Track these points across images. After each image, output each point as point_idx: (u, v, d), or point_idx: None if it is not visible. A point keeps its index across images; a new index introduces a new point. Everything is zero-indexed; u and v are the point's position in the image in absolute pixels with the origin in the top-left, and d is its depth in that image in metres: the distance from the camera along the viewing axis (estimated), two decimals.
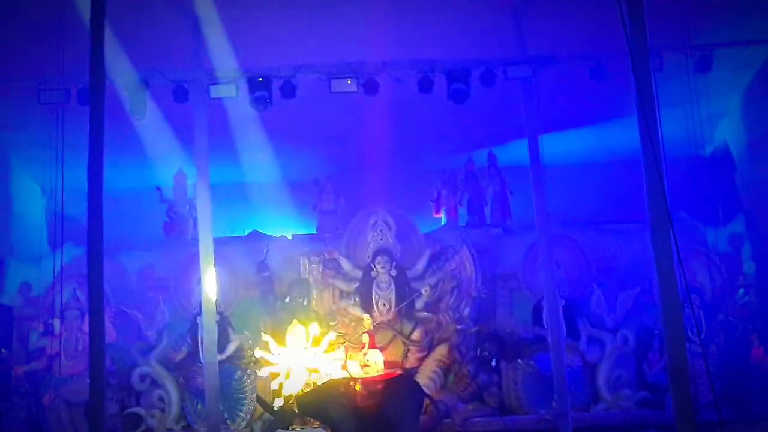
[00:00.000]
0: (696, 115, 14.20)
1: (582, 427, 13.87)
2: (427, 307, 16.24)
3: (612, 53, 13.95)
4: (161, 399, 15.57)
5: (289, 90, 14.78)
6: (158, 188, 17.37)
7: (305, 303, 16.29)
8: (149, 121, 15.14)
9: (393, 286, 16.14)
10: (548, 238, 14.44)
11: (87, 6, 10.43)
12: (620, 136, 14.66)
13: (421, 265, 16.40)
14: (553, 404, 14.36)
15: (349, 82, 14.87)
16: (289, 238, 17.39)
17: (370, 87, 14.80)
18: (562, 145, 15.98)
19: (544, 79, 14.68)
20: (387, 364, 15.02)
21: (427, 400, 14.81)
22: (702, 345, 13.22)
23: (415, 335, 16.00)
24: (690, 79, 14.27)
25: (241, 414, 15.19)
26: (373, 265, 16.22)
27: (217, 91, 14.70)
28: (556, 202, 14.96)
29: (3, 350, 16.11)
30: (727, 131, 17.59)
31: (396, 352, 15.83)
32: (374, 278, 16.19)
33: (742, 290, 16.10)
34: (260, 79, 14.73)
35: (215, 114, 15.05)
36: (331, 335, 15.40)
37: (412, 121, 16.52)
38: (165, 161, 16.88)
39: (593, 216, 17.01)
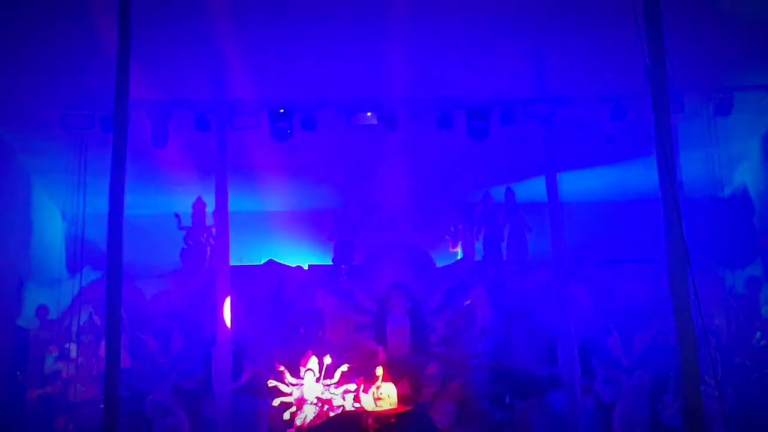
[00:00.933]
0: (716, 157, 14.22)
1: None
2: (441, 341, 16.21)
3: (633, 94, 14.00)
4: (173, 427, 15.53)
5: (309, 122, 14.90)
6: (177, 215, 17.48)
7: (320, 334, 16.30)
8: (170, 148, 15.26)
9: (407, 320, 16.13)
10: (564, 276, 14.41)
11: (113, 35, 10.58)
12: (639, 176, 14.65)
13: (436, 299, 16.40)
14: None
15: (369, 115, 14.98)
16: (305, 268, 17.43)
17: (389, 121, 14.90)
18: (579, 184, 16.00)
19: (563, 118, 14.73)
20: (400, 398, 14.99)
21: None
22: (718, 388, 13.09)
23: (430, 370, 15.95)
24: (710, 122, 14.30)
25: None
26: (388, 298, 16.23)
27: (238, 122, 14.83)
28: (573, 240, 14.95)
29: (18, 373, 16.20)
30: (746, 174, 17.54)
31: (409, 386, 15.76)
32: (389, 311, 16.20)
33: (759, 333, 15.97)
34: (281, 111, 14.85)
35: (235, 143, 15.16)
36: (345, 367, 15.38)
37: (430, 156, 16.59)
38: (184, 189, 16.98)
39: (610, 255, 16.96)
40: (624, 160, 16.30)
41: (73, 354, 15.53)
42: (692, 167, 12.08)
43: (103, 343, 11.72)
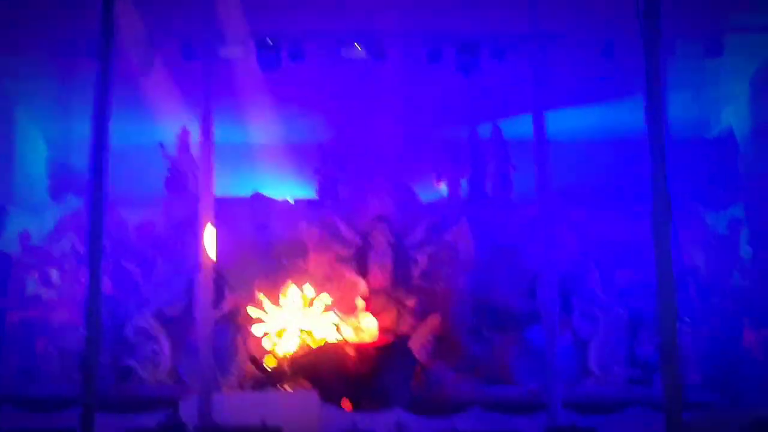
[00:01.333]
0: (703, 98, 14.20)
1: (571, 401, 13.94)
2: (423, 275, 16.33)
3: (623, 33, 13.90)
4: (155, 352, 15.67)
5: (297, 53, 14.77)
6: (161, 144, 17.36)
7: (302, 265, 16.38)
8: (156, 76, 15.11)
9: (390, 253, 16.22)
10: (548, 214, 14.46)
11: None
12: (626, 116, 14.62)
13: (419, 233, 16.48)
14: (543, 378, 14.44)
15: (358, 48, 14.85)
16: (291, 201, 17.43)
17: (378, 55, 14.78)
18: (567, 122, 15.96)
19: (552, 55, 14.63)
20: (380, 330, 15.20)
21: (418, 367, 15.00)
22: (694, 326, 13.30)
23: (410, 303, 16.09)
24: (700, 63, 14.25)
25: (233, 371, 15.28)
26: (371, 232, 16.29)
27: (225, 51, 14.67)
28: (558, 179, 14.96)
29: None
30: (732, 116, 17.55)
31: (390, 318, 15.92)
32: (372, 244, 16.27)
33: (737, 274, 16.15)
34: (269, 42, 14.69)
35: (222, 73, 15.00)
36: (327, 299, 15.51)
37: (418, 91, 16.51)
38: (169, 118, 16.85)
39: (594, 194, 17.02)
40: (612, 100, 16.27)
41: (55, 279, 15.54)
42: (680, 108, 12.06)
43: (85, 269, 11.70)
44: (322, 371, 14.18)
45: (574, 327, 15.47)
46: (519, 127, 16.29)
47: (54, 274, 15.63)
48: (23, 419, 12.79)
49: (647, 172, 10.32)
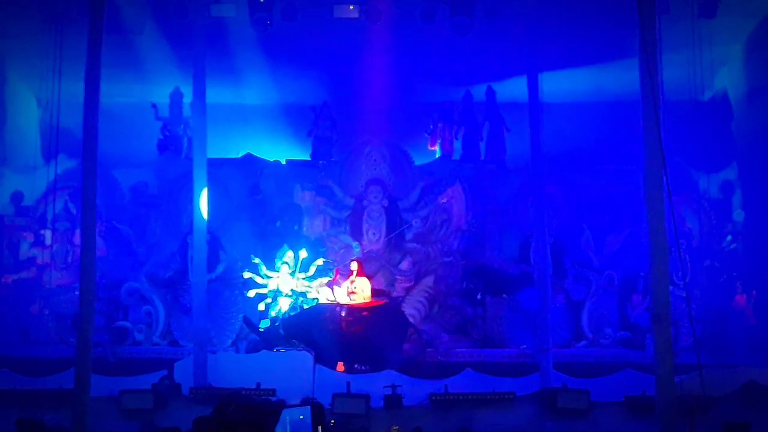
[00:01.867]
0: (697, 60, 14.09)
1: (562, 363, 14.09)
2: (416, 238, 16.38)
3: None
4: (149, 314, 15.73)
5: (290, 12, 14.64)
6: (154, 105, 17.27)
7: (296, 228, 16.40)
8: (148, 36, 14.98)
9: (384, 216, 16.25)
10: (541, 177, 14.46)
11: None
12: (620, 78, 14.59)
13: (413, 196, 16.49)
14: (535, 339, 14.53)
15: (351, 8, 14.73)
16: (283, 162, 17.38)
17: (372, 14, 14.66)
18: (561, 84, 15.90)
19: (547, 16, 14.53)
20: (374, 292, 15.23)
21: (411, 329, 15.07)
22: (686, 289, 13.35)
23: (404, 265, 16.15)
24: (694, 24, 14.14)
25: (228, 333, 15.34)
26: (365, 195, 16.31)
27: (218, 10, 14.55)
28: (552, 141, 14.94)
29: None
30: (726, 79, 17.52)
31: (383, 280, 15.99)
32: (366, 207, 16.29)
33: (729, 237, 16.25)
34: (262, 0, 14.56)
35: (214, 33, 14.88)
36: (320, 261, 15.53)
37: (412, 53, 16.40)
38: (162, 78, 16.74)
39: (588, 156, 17.00)
40: (606, 61, 16.19)
41: (48, 241, 15.54)
42: (674, 70, 11.97)
43: (78, 231, 11.69)
44: (315, 333, 14.22)
45: (567, 289, 15.55)
46: (513, 88, 16.24)
47: (47, 236, 15.60)
48: (20, 381, 12.83)
49: (640, 134, 10.32)
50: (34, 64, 14.72)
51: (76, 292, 10.93)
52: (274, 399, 6.62)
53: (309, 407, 6.58)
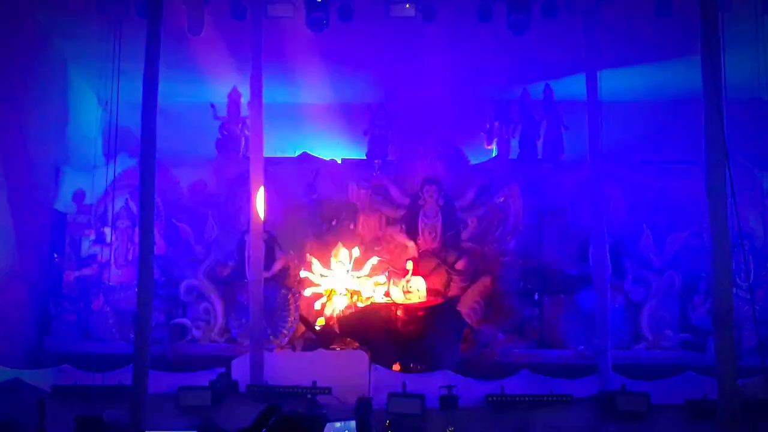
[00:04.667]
0: (761, 57, 13.79)
1: (621, 365, 13.86)
2: (472, 238, 16.30)
3: None
4: (207, 312, 15.92)
5: (346, 12, 14.66)
6: (212, 105, 17.47)
7: (351, 227, 16.46)
8: (206, 37, 15.14)
9: (440, 215, 16.19)
10: (600, 176, 14.28)
11: None
12: (681, 75, 14.35)
13: (469, 195, 16.41)
14: (594, 341, 14.35)
15: (407, 6, 14.71)
16: (339, 161, 17.44)
17: (428, 13, 14.61)
18: (620, 82, 15.67)
19: (605, 14, 14.34)
20: (429, 291, 15.21)
21: (467, 329, 15.01)
22: (750, 290, 13.08)
23: (460, 265, 16.07)
24: (757, 20, 13.84)
25: (284, 331, 15.43)
26: (421, 194, 16.26)
27: (274, 10, 14.64)
28: (610, 140, 14.74)
29: (55, 255, 16.56)
30: None
31: (439, 280, 15.92)
32: (421, 206, 16.25)
33: None
34: (318, 0, 14.61)
35: (271, 33, 14.98)
36: (375, 260, 15.54)
37: (469, 50, 16.29)
38: (220, 79, 16.90)
39: (647, 155, 16.75)
40: (667, 59, 15.92)
41: (109, 239, 15.79)
42: (737, 68, 11.73)
43: (137, 228, 11.86)
44: (371, 332, 14.24)
45: (627, 290, 15.35)
46: (571, 87, 16.07)
47: (108, 234, 15.86)
48: (81, 377, 13.07)
49: (702, 133, 10.13)
50: (95, 65, 14.94)
51: (136, 289, 11.09)
52: (319, 412, 6.60)
53: (354, 422, 6.55)
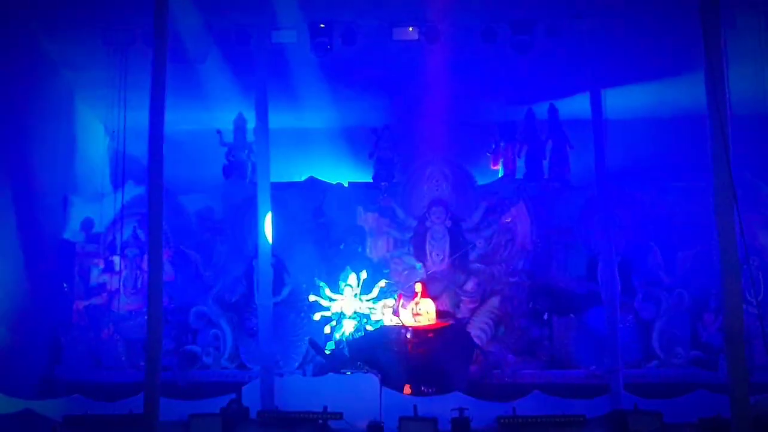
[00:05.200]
0: (765, 73, 13.82)
1: (633, 383, 13.81)
2: (481, 258, 16.28)
3: (681, 8, 13.60)
4: (216, 338, 15.91)
5: (350, 36, 14.76)
6: (218, 131, 17.55)
7: (359, 250, 16.47)
8: (211, 64, 15.24)
9: (447, 237, 16.21)
10: (606, 194, 14.28)
11: None
12: (685, 92, 14.35)
13: (476, 216, 16.41)
14: (604, 360, 14.29)
15: (410, 29, 14.79)
16: (346, 185, 17.48)
17: (431, 35, 14.70)
18: (624, 100, 15.72)
19: (609, 32, 14.40)
20: (439, 313, 15.18)
21: (477, 350, 14.97)
22: (759, 307, 13.01)
23: (468, 286, 16.06)
24: (761, 37, 13.89)
25: (294, 356, 15.41)
26: (428, 215, 16.30)
27: (278, 37, 14.74)
28: (617, 158, 14.77)
29: (65, 284, 16.59)
30: None
31: (448, 302, 15.92)
32: (429, 228, 16.27)
33: None
34: (321, 25, 14.71)
35: (276, 59, 15.07)
36: (383, 283, 15.54)
37: (472, 72, 16.36)
38: (225, 105, 17.00)
39: (654, 173, 16.74)
40: (670, 76, 15.96)
41: (118, 267, 15.84)
42: (740, 84, 11.75)
43: (146, 256, 11.88)
44: (381, 355, 14.21)
45: (636, 309, 15.31)
46: (575, 106, 16.10)
47: (117, 262, 15.90)
48: (91, 406, 13.07)
49: (708, 150, 10.13)
50: (101, 94, 15.10)
51: (145, 317, 11.08)
52: None
53: None
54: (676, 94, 16.13)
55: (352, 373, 14.43)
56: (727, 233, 9.89)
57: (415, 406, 12.22)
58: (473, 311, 15.92)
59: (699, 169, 11.76)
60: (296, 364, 15.42)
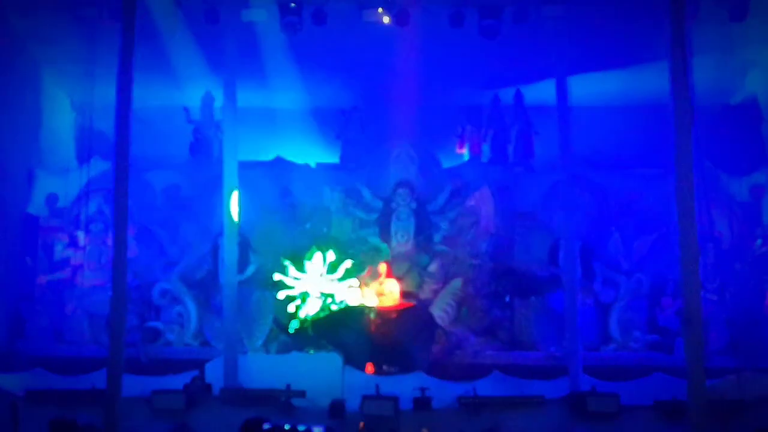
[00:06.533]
0: (728, 64, 14.05)
1: (591, 366, 14.04)
2: (445, 240, 16.42)
3: None
4: (180, 315, 15.89)
5: (320, 17, 14.76)
6: (186, 109, 17.46)
7: (325, 230, 16.52)
8: (179, 41, 15.16)
9: (412, 219, 16.32)
10: (569, 179, 14.48)
11: None
12: (650, 81, 14.54)
13: (441, 199, 16.54)
14: (564, 342, 14.51)
15: (380, 11, 14.83)
16: (313, 165, 17.51)
17: (401, 18, 14.75)
18: (589, 87, 15.88)
19: (576, 20, 14.54)
20: (402, 294, 15.31)
21: (439, 331, 15.12)
22: (717, 292, 13.30)
23: (432, 268, 16.20)
24: (724, 28, 14.10)
25: (258, 334, 15.46)
26: (393, 197, 16.39)
27: (248, 15, 14.71)
28: (580, 144, 14.94)
29: (28, 259, 16.48)
30: (756, 82, 17.36)
31: (412, 283, 16.04)
32: (394, 210, 16.37)
33: (760, 240, 16.08)
34: (292, 5, 14.70)
35: (245, 37, 15.04)
36: (349, 263, 15.62)
37: (440, 56, 16.43)
38: (193, 82, 16.91)
39: (616, 159, 16.96)
40: (635, 64, 16.14)
41: (82, 242, 15.76)
42: (704, 74, 11.95)
43: (111, 232, 11.86)
44: (344, 334, 14.32)
45: (596, 292, 15.53)
46: (541, 92, 16.24)
47: (81, 237, 15.83)
48: (54, 380, 13.05)
49: (670, 138, 10.32)
50: (68, 68, 15.00)
51: (109, 293, 11.09)
52: (302, 428, 6.65)
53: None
54: (640, 83, 16.29)
55: (315, 352, 14.55)
56: (686, 219, 10.11)
57: (377, 385, 12.37)
58: (436, 292, 16.05)
59: (661, 157, 11.98)
60: (260, 342, 15.44)
